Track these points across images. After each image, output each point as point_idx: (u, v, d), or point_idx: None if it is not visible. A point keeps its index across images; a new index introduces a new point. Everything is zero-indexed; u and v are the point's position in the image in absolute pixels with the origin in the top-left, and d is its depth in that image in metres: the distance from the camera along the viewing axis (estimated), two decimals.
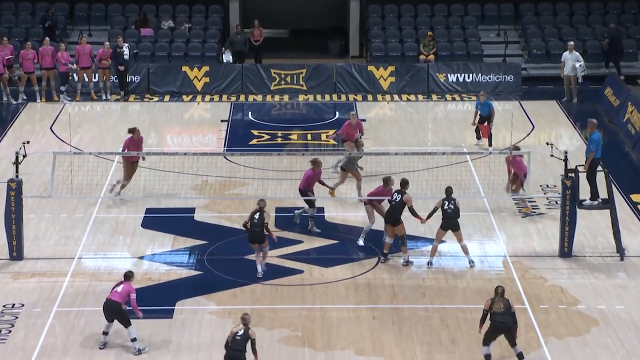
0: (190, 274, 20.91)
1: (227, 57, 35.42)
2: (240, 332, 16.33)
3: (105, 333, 18.03)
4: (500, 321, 17.07)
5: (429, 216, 21.07)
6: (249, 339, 16.31)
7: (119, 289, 17.89)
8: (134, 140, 24.05)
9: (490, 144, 27.57)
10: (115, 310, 17.80)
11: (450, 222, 20.84)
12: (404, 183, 21.23)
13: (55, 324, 18.79)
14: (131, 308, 17.79)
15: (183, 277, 20.72)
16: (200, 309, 19.36)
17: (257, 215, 20.36)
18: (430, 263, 21.11)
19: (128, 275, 18.13)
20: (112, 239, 22.43)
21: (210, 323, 18.85)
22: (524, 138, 28.83)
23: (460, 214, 20.91)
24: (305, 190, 22.52)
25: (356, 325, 18.78)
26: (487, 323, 17.25)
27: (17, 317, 18.95)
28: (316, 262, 21.13)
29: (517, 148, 24.05)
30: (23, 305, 19.42)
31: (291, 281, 20.43)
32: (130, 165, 24.10)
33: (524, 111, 31.60)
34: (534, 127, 30.18)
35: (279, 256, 21.53)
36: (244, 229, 20.65)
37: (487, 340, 17.24)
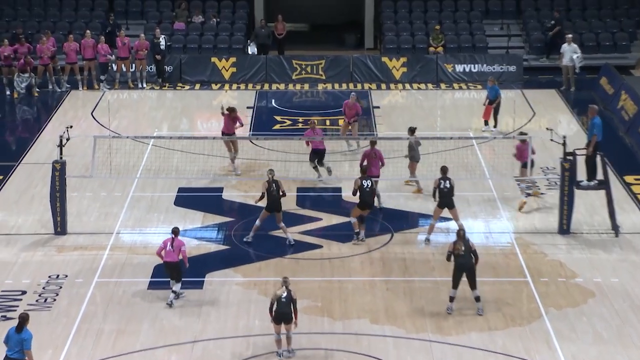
0: (219, 248, 20.78)
1: (252, 49, 35.16)
2: (284, 295, 16.36)
3: (174, 292, 18.18)
4: (461, 262, 17.50)
5: (434, 195, 20.64)
6: (292, 299, 16.37)
7: (172, 248, 17.96)
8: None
9: (495, 125, 27.24)
10: (175, 268, 18.03)
11: (446, 200, 20.47)
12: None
13: (96, 293, 18.72)
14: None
15: (212, 251, 20.59)
16: (227, 281, 19.23)
17: (274, 186, 20.29)
18: (427, 240, 20.77)
19: (175, 231, 18.25)
20: (148, 216, 22.31)
21: (237, 293, 18.72)
22: (526, 124, 28.50)
23: (455, 192, 20.51)
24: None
25: (371, 296, 18.62)
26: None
27: (61, 287, 18.89)
28: (334, 238, 20.92)
29: (522, 133, 23.54)
30: (67, 276, 19.34)
31: (311, 255, 20.27)
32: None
33: (526, 99, 31.24)
34: (534, 113, 29.83)
35: (300, 232, 21.36)
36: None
37: (455, 283, 17.64)
